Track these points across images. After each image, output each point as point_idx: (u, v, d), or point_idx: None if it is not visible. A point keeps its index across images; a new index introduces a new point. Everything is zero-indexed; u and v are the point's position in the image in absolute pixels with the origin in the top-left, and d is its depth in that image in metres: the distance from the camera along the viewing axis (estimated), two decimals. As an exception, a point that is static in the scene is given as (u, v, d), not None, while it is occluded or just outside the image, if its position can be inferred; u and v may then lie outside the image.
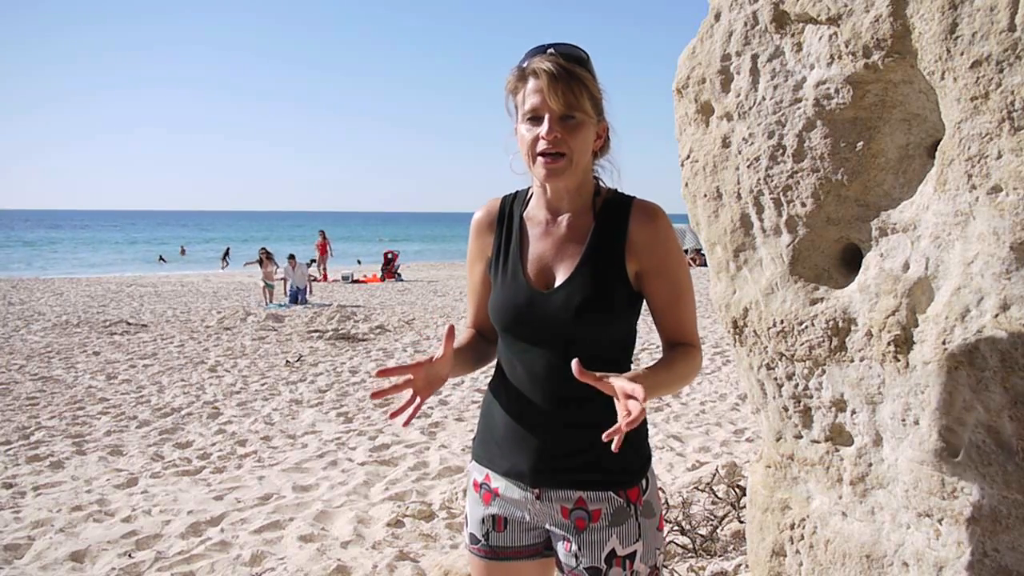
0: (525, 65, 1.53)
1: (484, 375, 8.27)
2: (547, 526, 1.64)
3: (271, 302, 16.55)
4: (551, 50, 1.52)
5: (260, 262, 17.58)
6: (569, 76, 1.48)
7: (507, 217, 1.69)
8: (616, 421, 1.56)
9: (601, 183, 1.66)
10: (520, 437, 1.61)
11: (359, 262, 31.56)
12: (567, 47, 1.53)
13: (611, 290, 1.56)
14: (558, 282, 1.59)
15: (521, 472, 1.61)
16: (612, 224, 1.59)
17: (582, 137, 1.52)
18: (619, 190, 1.66)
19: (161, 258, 39.72)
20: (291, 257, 17.36)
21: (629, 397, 1.32)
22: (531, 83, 1.51)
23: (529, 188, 1.71)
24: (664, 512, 3.83)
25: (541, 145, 1.50)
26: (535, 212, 1.66)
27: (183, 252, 44.40)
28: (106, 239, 63.61)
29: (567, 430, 1.58)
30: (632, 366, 1.65)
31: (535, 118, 1.51)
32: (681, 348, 1.60)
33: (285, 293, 16.74)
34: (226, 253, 33.13)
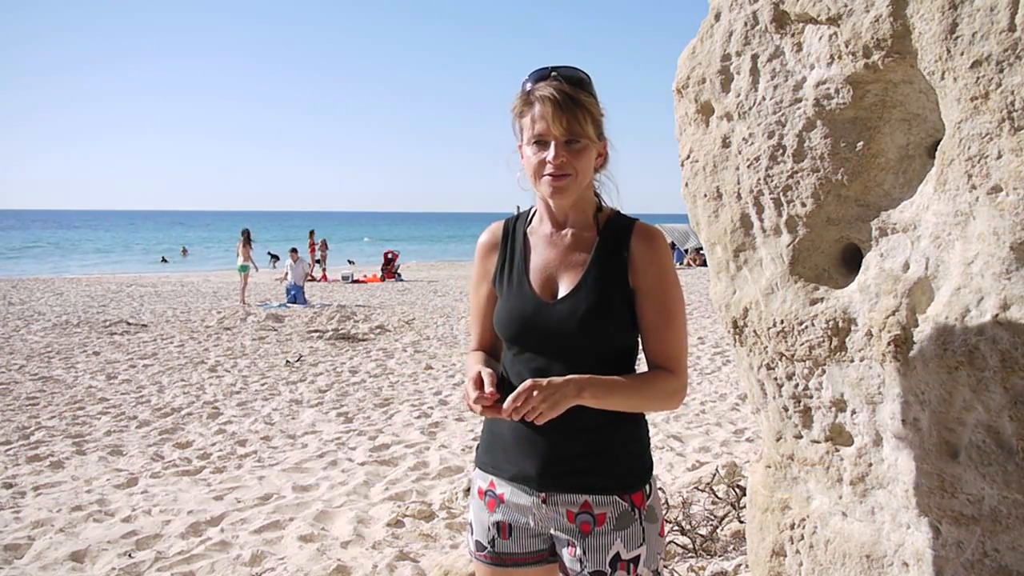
0: (530, 90, 1.58)
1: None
2: (552, 531, 1.66)
3: (245, 290, 16.57)
4: (554, 74, 1.57)
5: (246, 241, 17.53)
6: (573, 103, 1.53)
7: (511, 234, 1.75)
8: (619, 426, 1.61)
9: (603, 201, 1.71)
10: (528, 443, 1.63)
11: (351, 262, 31.39)
12: (569, 70, 1.59)
13: (615, 301, 1.60)
14: (562, 292, 1.63)
15: (528, 476, 1.63)
16: (615, 239, 1.64)
17: (585, 159, 1.58)
18: (620, 210, 1.71)
19: (164, 259, 39.72)
20: (293, 251, 17.34)
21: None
22: (537, 108, 1.56)
23: (531, 208, 1.77)
24: (664, 512, 3.84)
25: (548, 168, 1.56)
26: (539, 226, 1.72)
27: (184, 253, 44.26)
28: (130, 239, 64.16)
29: (574, 435, 1.60)
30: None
31: (541, 142, 1.57)
32: (656, 370, 1.62)
33: (285, 278, 16.66)
34: (276, 257, 30.11)
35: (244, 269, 16.91)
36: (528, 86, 1.60)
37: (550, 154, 1.55)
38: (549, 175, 1.56)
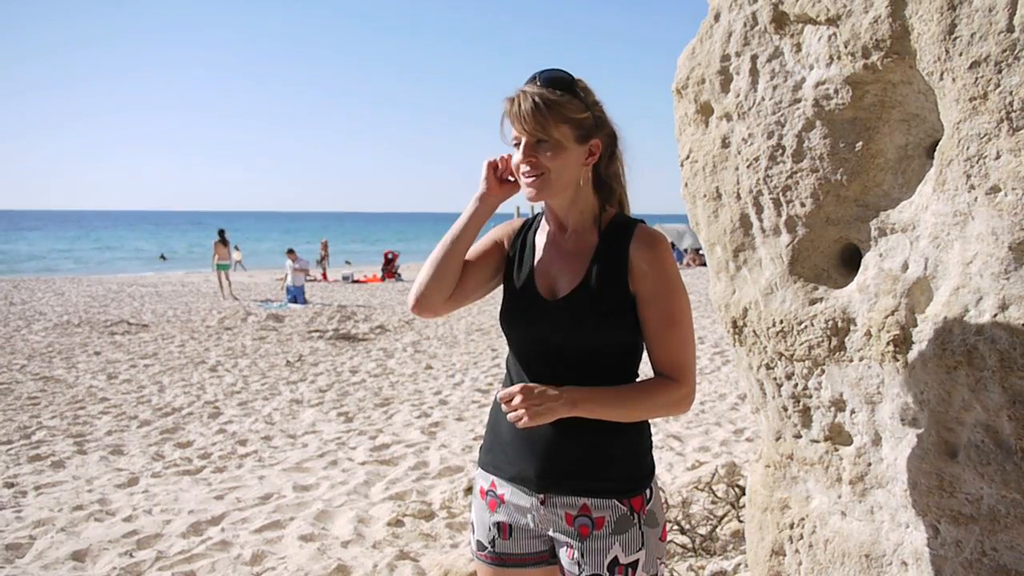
0: (510, 94, 1.60)
1: (486, 376, 8.27)
2: (551, 532, 1.66)
3: (229, 287, 17.26)
4: (536, 78, 1.59)
5: (222, 242, 18.25)
6: (544, 104, 1.53)
7: (525, 233, 1.78)
8: (619, 430, 1.61)
9: (609, 200, 1.69)
10: (527, 443, 1.63)
11: (348, 262, 31.45)
12: (552, 72, 1.59)
13: (613, 303, 1.59)
14: (562, 294, 1.64)
15: (527, 478, 1.64)
16: (615, 243, 1.63)
17: (560, 159, 1.57)
18: (627, 212, 1.71)
19: (162, 256, 39.67)
20: (290, 252, 17.36)
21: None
22: (512, 111, 1.58)
23: (543, 212, 1.78)
24: (664, 512, 3.84)
25: (523, 168, 1.60)
26: (545, 228, 1.74)
27: (162, 258, 43.73)
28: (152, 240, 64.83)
29: (573, 437, 1.60)
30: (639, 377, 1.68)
31: (516, 143, 1.61)
32: (659, 378, 1.60)
33: (283, 289, 16.98)
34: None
35: (223, 267, 17.69)
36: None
37: (516, 155, 1.60)
38: (523, 175, 1.60)
